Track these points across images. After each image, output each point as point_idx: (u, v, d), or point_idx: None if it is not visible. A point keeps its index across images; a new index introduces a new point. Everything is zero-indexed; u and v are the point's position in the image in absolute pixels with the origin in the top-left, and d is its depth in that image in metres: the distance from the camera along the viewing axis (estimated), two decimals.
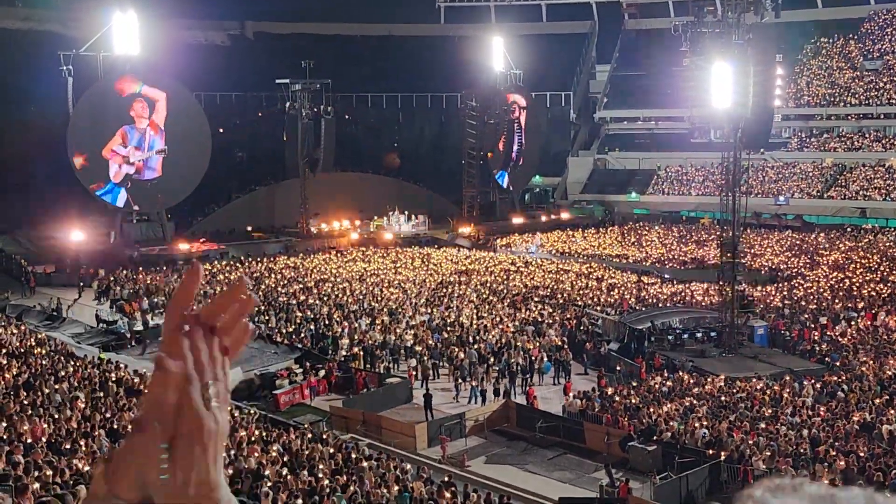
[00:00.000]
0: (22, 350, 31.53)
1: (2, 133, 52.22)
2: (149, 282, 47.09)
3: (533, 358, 33.41)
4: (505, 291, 45.61)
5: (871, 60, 79.41)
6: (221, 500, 1.15)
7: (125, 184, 53.59)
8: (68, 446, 21.02)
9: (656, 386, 30.47)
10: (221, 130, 54.80)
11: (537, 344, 35.08)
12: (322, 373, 32.43)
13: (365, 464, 23.14)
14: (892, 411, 26.63)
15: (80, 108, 49.08)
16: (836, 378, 30.91)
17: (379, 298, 43.84)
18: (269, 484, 20.38)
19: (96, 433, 22.75)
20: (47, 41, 56.69)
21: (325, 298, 43.87)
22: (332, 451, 24.23)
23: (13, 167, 51.57)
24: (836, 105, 77.42)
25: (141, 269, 50.04)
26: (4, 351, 31.19)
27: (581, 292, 45.68)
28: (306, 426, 27.37)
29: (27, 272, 49.14)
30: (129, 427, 1.18)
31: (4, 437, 20.01)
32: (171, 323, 1.15)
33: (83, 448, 21.25)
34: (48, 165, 51.98)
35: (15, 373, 27.72)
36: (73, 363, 31.04)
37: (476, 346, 34.53)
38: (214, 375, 1.16)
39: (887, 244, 58.64)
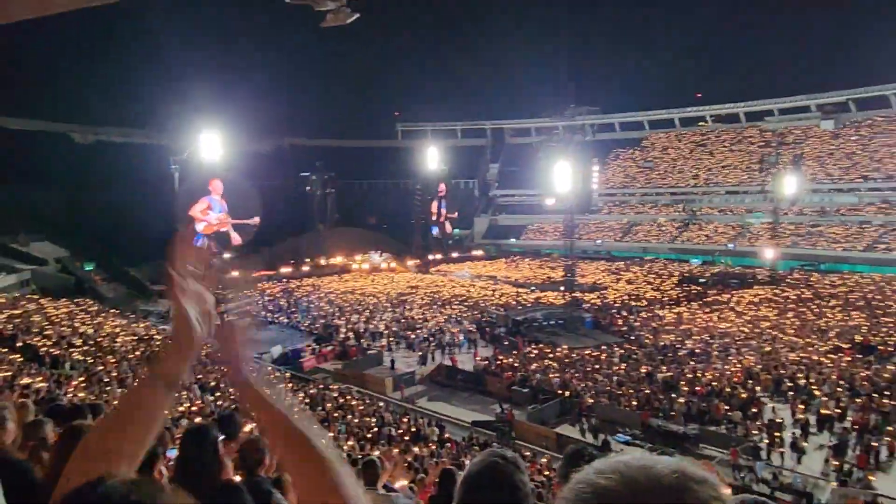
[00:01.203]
0: (146, 336, 30.86)
1: (135, 207, 51.54)
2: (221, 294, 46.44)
3: (455, 337, 33.56)
4: (438, 297, 45.64)
5: (647, 162, 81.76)
6: (250, 376, 1.26)
7: (212, 235, 53.06)
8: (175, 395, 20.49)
9: (528, 353, 30.85)
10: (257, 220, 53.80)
11: (458, 329, 35.28)
12: (329, 347, 32.30)
13: (355, 402, 22.97)
14: (664, 367, 27.32)
15: (182, 191, 48.51)
16: (631, 347, 31.64)
17: (363, 302, 43.65)
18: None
19: (191, 386, 22.27)
20: (162, 150, 56.12)
21: (331, 303, 43.54)
22: (335, 395, 24.02)
23: (144, 229, 50.94)
24: (629, 187, 79.48)
25: (220, 286, 49.38)
26: (136, 337, 30.52)
27: (484, 297, 45.96)
28: (320, 380, 27.12)
29: (149, 288, 48.35)
30: (169, 337, 1.26)
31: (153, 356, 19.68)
32: (179, 268, 1.26)
33: (183, 396, 20.73)
34: (163, 223, 50.94)
35: (141, 351, 27.09)
36: None
37: (421, 331, 34.57)
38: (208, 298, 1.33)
39: (658, 269, 60.11)
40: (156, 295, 47.30)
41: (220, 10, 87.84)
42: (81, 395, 16.92)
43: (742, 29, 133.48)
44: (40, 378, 19.32)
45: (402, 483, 6.31)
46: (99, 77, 79.74)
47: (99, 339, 29.35)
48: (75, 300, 42.79)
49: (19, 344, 27.23)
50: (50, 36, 66.19)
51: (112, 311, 40.53)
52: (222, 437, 3.38)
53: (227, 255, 54.65)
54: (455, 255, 73.23)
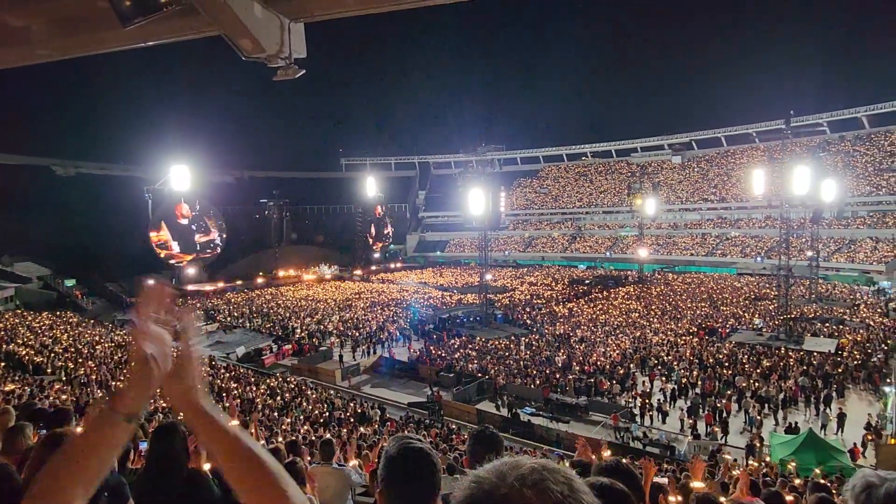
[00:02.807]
0: (124, 343, 28.94)
1: (113, 230, 48.60)
2: (190, 305, 44.21)
3: (392, 334, 33.13)
4: (377, 301, 44.97)
5: (543, 189, 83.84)
6: (202, 401, 1.11)
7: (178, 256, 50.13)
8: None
9: (452, 344, 30.61)
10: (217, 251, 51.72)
11: (395, 326, 34.79)
12: (287, 346, 31.21)
13: (310, 392, 22.30)
14: (561, 352, 27.71)
15: (155, 217, 45.95)
16: (534, 336, 31.73)
17: (314, 307, 42.50)
18: (259, 405, 19.28)
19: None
20: (137, 181, 53.06)
21: (287, 308, 42.19)
22: (292, 385, 23.25)
23: (121, 249, 47.80)
24: (529, 209, 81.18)
25: (188, 297, 47.04)
26: (114, 343, 28.59)
27: (416, 299, 45.60)
28: (279, 374, 26.19)
29: (126, 300, 45.52)
30: (128, 374, 1.13)
31: (114, 391, 18.22)
32: (142, 315, 1.12)
33: (158, 393, 19.44)
34: (137, 244, 48.05)
35: (119, 355, 25.39)
36: None
37: (364, 330, 33.91)
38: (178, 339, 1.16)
39: (553, 274, 61.53)
40: (132, 304, 44.74)
41: (188, 59, 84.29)
42: (63, 397, 15.65)
43: (611, 85, 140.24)
44: (22, 384, 17.77)
45: (353, 462, 6.16)
46: (80, 116, 75.27)
47: (79, 347, 27.30)
48: (57, 312, 39.77)
49: (2, 353, 25.01)
50: (32, 79, 61.89)
51: (91, 321, 37.84)
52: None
53: (192, 271, 52.30)
54: (391, 266, 72.69)
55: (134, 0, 2.65)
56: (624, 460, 2.53)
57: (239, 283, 54.73)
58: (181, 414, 1.13)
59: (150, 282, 1.16)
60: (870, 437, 16.84)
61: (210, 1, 2.69)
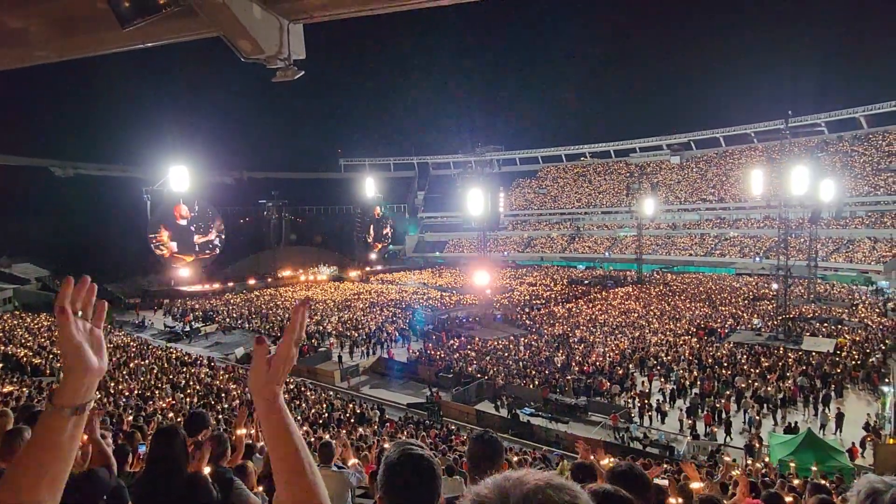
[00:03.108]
0: (122, 344, 28.91)
1: (111, 231, 48.48)
2: (189, 306, 44.15)
3: (391, 334, 33.05)
4: (377, 302, 44.87)
5: (542, 190, 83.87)
6: (278, 396, 1.13)
7: (179, 257, 50.02)
8: (149, 394, 19.26)
9: (452, 345, 30.45)
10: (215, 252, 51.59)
11: (394, 327, 34.68)
12: None
13: (309, 393, 22.28)
14: (560, 352, 27.64)
15: (153, 219, 45.90)
16: (533, 336, 31.66)
17: (314, 307, 42.41)
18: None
19: (164, 386, 20.97)
20: (136, 181, 53.02)
21: (286, 309, 42.10)
22: (291, 386, 23.18)
23: (120, 249, 47.76)
24: (528, 209, 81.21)
25: (188, 299, 46.93)
26: (112, 345, 28.53)
27: (414, 300, 45.47)
28: None
29: (125, 302, 45.48)
30: (63, 368, 1.11)
31: (113, 392, 18.21)
32: (65, 307, 1.09)
33: (157, 395, 19.58)
34: (136, 245, 48.04)
35: (118, 356, 25.36)
36: (150, 349, 28.73)
37: (363, 330, 33.80)
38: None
39: (552, 274, 61.47)
40: (136, 308, 44.55)
41: (187, 60, 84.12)
42: None
43: (609, 86, 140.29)
44: (20, 386, 17.71)
45: (353, 461, 6.14)
46: (78, 117, 75.10)
47: None
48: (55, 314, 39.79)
49: (1, 355, 24.96)
50: (31, 79, 61.67)
51: None
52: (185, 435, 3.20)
53: (186, 272, 52.19)
54: (391, 266, 72.68)
55: (133, 1, 2.64)
56: (627, 463, 2.52)
57: (233, 283, 54.62)
58: (255, 403, 1.14)
59: (71, 277, 1.14)
60: (869, 438, 16.85)
61: (209, 2, 2.68)
